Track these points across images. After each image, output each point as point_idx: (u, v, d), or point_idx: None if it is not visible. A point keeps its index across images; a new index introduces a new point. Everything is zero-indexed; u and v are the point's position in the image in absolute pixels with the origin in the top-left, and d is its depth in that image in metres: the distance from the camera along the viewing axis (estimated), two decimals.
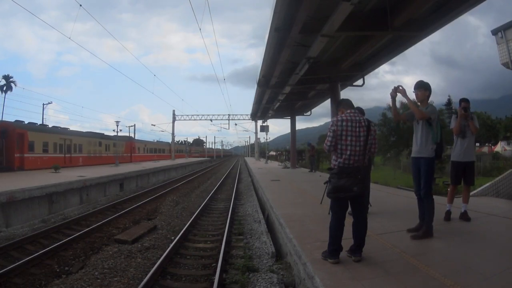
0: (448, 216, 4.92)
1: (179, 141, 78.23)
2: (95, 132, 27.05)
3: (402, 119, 4.45)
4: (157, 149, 42.21)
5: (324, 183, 3.54)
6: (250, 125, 44.67)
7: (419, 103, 4.29)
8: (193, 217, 8.08)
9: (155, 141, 46.52)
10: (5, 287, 4.42)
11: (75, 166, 20.71)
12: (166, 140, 49.93)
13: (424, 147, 4.01)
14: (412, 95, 4.14)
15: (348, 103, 3.56)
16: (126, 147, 30.03)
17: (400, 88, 3.95)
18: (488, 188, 7.50)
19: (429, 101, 4.44)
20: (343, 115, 3.34)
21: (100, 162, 24.25)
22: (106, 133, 29.59)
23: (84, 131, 26.61)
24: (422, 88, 4.10)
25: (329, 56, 11.27)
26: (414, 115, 4.08)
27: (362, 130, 3.26)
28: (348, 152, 3.21)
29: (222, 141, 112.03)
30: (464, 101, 4.95)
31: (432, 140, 4.00)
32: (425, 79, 4.29)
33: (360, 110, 4.06)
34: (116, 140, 27.00)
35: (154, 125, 47.45)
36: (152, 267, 4.70)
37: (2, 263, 5.28)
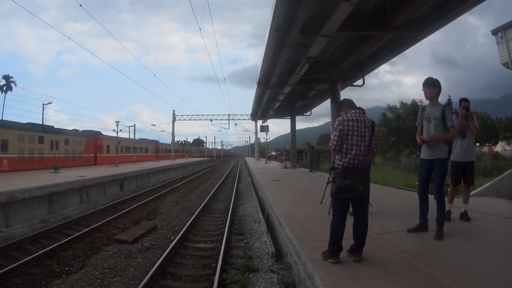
0: (448, 216, 4.91)
1: (178, 141, 78.32)
2: (35, 123, 19.63)
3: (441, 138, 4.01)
4: (137, 148, 33.78)
5: (328, 183, 3.53)
6: (250, 125, 44.71)
7: (428, 101, 4.17)
8: (193, 217, 8.08)
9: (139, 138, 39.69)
10: (5, 287, 4.42)
11: None
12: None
13: (438, 148, 3.93)
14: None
15: (351, 103, 3.58)
16: (87, 144, 22.60)
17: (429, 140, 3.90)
18: (488, 188, 7.50)
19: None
20: (348, 115, 3.34)
21: (42, 165, 17.12)
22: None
23: (23, 122, 18.95)
24: (431, 85, 3.96)
25: (329, 56, 11.27)
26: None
27: (367, 130, 3.27)
28: (354, 152, 3.21)
29: (222, 141, 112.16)
30: (464, 100, 4.95)
31: (444, 141, 3.99)
32: None
33: (362, 111, 4.07)
34: (70, 135, 20.80)
35: (154, 125, 47.35)
36: (152, 267, 4.70)
37: (2, 263, 5.28)
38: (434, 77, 4.07)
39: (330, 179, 3.39)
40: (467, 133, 4.85)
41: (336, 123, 3.32)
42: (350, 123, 3.25)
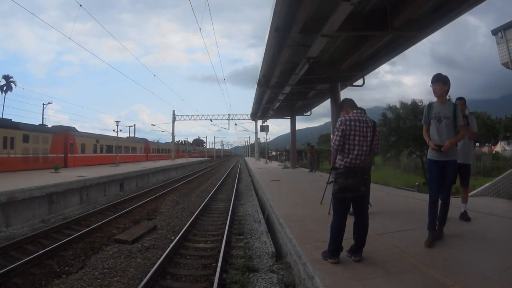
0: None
1: (178, 141, 78.32)
2: None
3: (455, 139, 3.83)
4: (122, 147, 28.42)
5: (329, 183, 3.52)
6: (250, 125, 44.74)
7: (436, 98, 3.92)
8: (193, 217, 8.08)
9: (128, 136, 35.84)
10: (5, 287, 4.42)
11: None
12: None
13: (452, 149, 3.79)
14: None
15: (352, 103, 3.57)
16: (54, 142, 18.51)
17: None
18: (488, 188, 7.50)
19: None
20: (350, 114, 3.33)
21: None
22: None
23: None
24: (441, 82, 3.79)
25: (329, 56, 11.26)
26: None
27: (369, 130, 3.27)
28: (356, 152, 3.21)
29: (222, 141, 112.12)
30: (460, 99, 4.89)
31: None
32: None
33: (363, 111, 4.05)
34: (31, 130, 16.85)
35: (154, 125, 47.33)
36: (152, 267, 4.71)
37: (2, 263, 5.28)
38: None
39: (331, 179, 3.38)
40: (464, 136, 4.82)
41: (339, 123, 3.30)
42: (353, 123, 3.24)
